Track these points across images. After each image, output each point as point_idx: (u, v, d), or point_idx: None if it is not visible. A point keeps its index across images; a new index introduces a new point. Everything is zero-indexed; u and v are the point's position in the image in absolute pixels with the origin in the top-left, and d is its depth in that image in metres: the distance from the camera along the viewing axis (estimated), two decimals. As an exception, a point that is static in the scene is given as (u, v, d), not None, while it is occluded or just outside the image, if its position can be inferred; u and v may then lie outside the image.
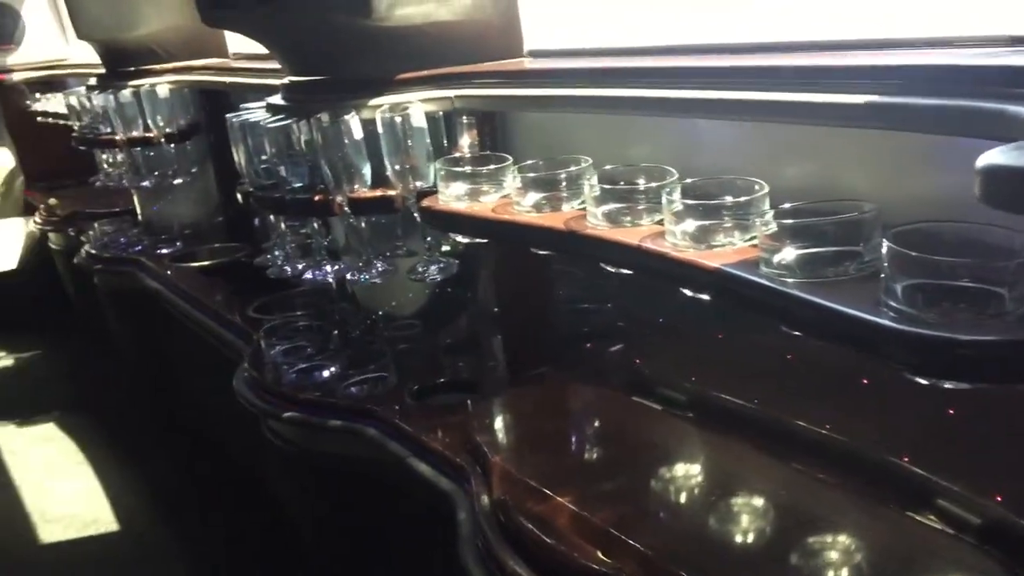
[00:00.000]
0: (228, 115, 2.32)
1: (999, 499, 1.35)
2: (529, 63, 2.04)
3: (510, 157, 1.86)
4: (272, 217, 2.39)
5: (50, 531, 3.24)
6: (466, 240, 1.98)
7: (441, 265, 2.13)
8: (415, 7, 1.95)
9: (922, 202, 1.35)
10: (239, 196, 2.35)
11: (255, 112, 2.30)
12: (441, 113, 2.05)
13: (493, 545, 1.53)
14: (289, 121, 2.13)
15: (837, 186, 1.49)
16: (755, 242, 1.30)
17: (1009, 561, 1.28)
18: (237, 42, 3.40)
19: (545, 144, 2.06)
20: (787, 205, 1.27)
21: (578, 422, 1.96)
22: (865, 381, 1.50)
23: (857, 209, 1.20)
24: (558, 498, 1.57)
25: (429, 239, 2.13)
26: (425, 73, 2.01)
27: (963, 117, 1.06)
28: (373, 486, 2.07)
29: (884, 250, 1.05)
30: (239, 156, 2.29)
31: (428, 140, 2.00)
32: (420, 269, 2.14)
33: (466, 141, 2.13)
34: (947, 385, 1.03)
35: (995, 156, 0.79)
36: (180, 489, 3.42)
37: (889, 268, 1.05)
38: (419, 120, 1.98)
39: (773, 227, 1.24)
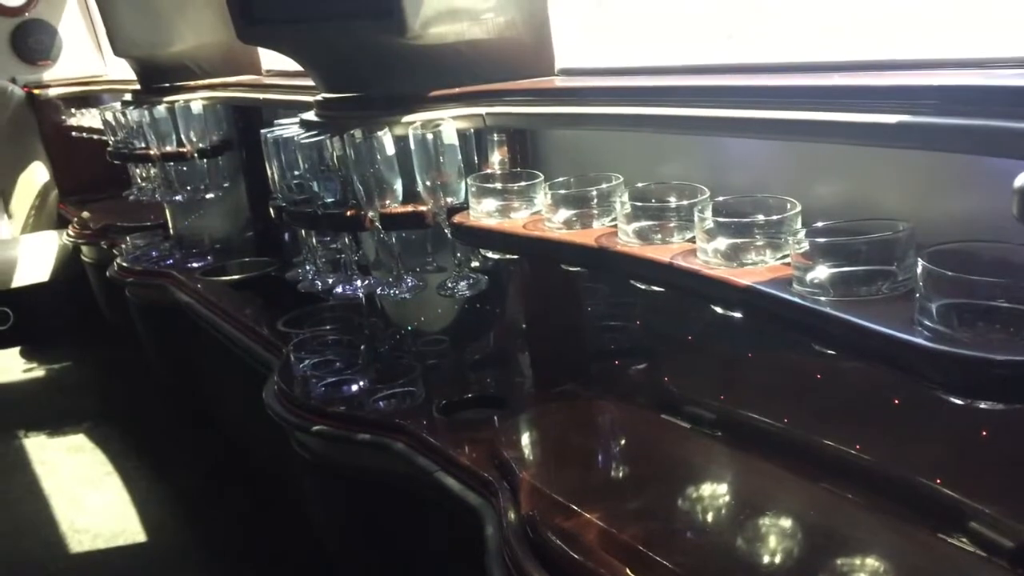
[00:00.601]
0: (263, 130, 2.35)
1: (1034, 522, 1.34)
2: (560, 81, 2.05)
3: (541, 174, 1.88)
4: (303, 232, 2.42)
5: (78, 541, 3.27)
6: (495, 256, 1.99)
7: (471, 281, 2.15)
8: (449, 26, 1.97)
9: (957, 222, 1.35)
10: (271, 211, 2.37)
11: (289, 128, 2.33)
12: (472, 130, 2.07)
13: (521, 560, 1.53)
14: (322, 137, 2.15)
15: (870, 205, 1.49)
16: (787, 260, 1.31)
17: (1043, 585, 1.27)
18: (271, 59, 3.45)
19: (576, 161, 2.07)
20: (819, 224, 1.27)
21: (605, 439, 1.96)
22: (896, 401, 1.49)
23: (891, 228, 1.20)
24: (586, 514, 1.57)
25: (459, 255, 2.14)
26: (457, 90, 2.03)
27: (996, 137, 1.06)
28: (401, 500, 2.08)
29: (919, 269, 1.05)
30: (272, 171, 2.31)
31: (459, 157, 2.02)
32: (449, 285, 2.15)
33: (497, 158, 2.15)
34: (982, 405, 1.03)
35: (1033, 176, 0.79)
36: (208, 501, 3.44)
37: (924, 287, 1.05)
38: (451, 137, 2.00)
39: (806, 246, 1.24)
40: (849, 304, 1.15)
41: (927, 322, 1.04)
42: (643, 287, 1.57)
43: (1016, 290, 1.01)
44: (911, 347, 1.02)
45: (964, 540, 1.40)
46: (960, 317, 1.02)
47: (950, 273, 1.01)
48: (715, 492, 1.67)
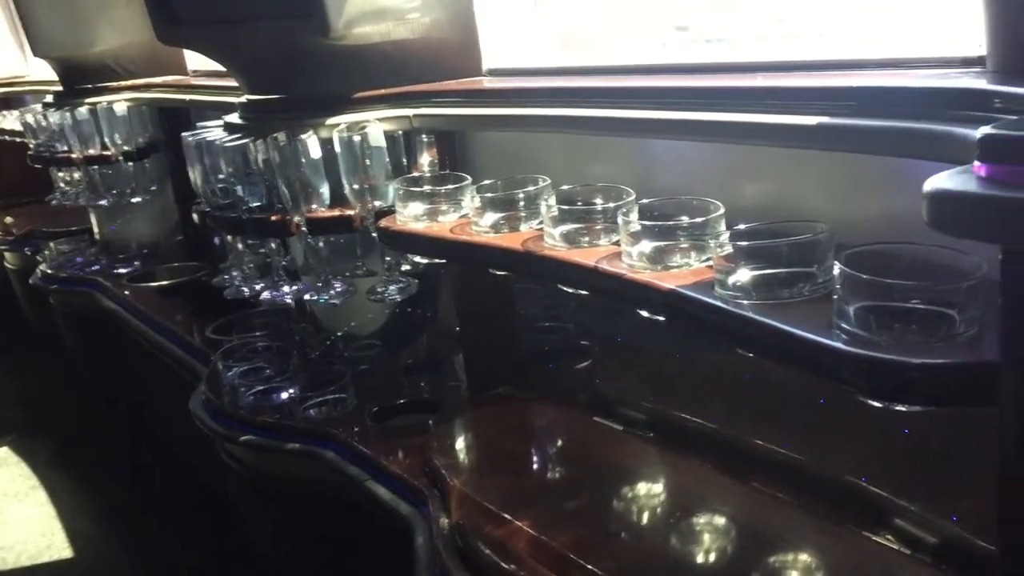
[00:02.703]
0: (184, 133, 2.29)
1: (955, 519, 1.35)
2: (488, 82, 2.03)
3: (469, 177, 1.85)
4: (229, 237, 2.36)
5: (1, 559, 3.15)
6: (425, 260, 1.96)
7: (401, 285, 2.12)
8: (373, 26, 1.93)
9: (880, 222, 1.36)
10: (195, 216, 2.31)
11: (212, 131, 2.27)
12: (401, 132, 2.03)
13: (450, 570, 1.51)
14: (246, 140, 2.10)
15: (796, 206, 1.49)
16: (711, 263, 1.30)
17: (965, 581, 1.28)
18: (197, 59, 3.37)
19: (506, 163, 2.05)
20: (742, 226, 1.27)
21: (538, 443, 1.94)
22: (822, 400, 1.49)
23: (811, 230, 1.20)
24: (516, 521, 1.55)
25: (388, 259, 2.11)
26: (383, 92, 2.00)
27: (913, 139, 1.07)
28: (333, 508, 2.04)
29: (836, 272, 1.05)
30: (195, 175, 2.25)
31: (387, 159, 1.99)
32: (379, 289, 2.12)
33: (426, 160, 2.11)
34: (899, 408, 1.03)
35: (941, 180, 0.78)
36: (138, 513, 3.35)
37: (841, 290, 1.05)
38: (377, 139, 1.97)
39: (728, 248, 1.23)
40: (770, 307, 1.14)
41: (845, 325, 1.03)
42: (571, 291, 1.56)
43: (931, 292, 1.01)
44: (829, 351, 1.02)
45: (890, 537, 1.41)
46: (878, 319, 1.02)
47: (865, 276, 1.01)
48: (646, 494, 1.66)
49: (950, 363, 0.95)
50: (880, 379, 0.99)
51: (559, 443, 1.91)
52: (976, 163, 0.78)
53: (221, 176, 2.19)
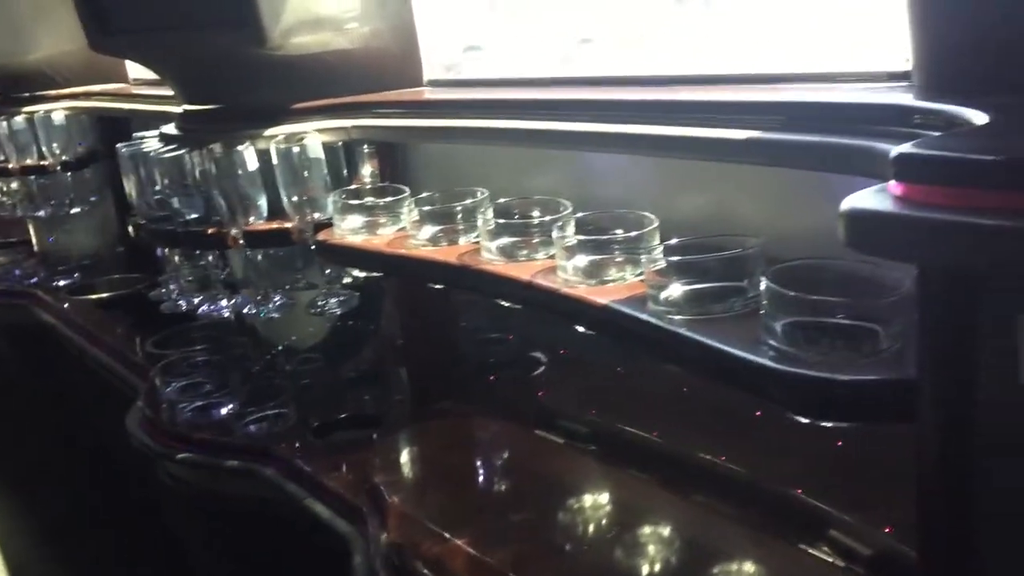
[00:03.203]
0: (119, 145, 2.24)
1: (888, 530, 1.36)
2: (428, 93, 2.01)
3: (407, 189, 1.83)
4: (166, 250, 2.31)
5: (-66, 578, 3.06)
6: (364, 274, 1.94)
7: (341, 298, 2.09)
8: (311, 35, 1.90)
9: (813, 237, 1.36)
10: (130, 228, 2.26)
11: (148, 142, 2.23)
12: (340, 143, 2.01)
13: (387, 591, 1.49)
14: (182, 152, 2.06)
15: (732, 220, 1.49)
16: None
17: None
18: (139, 67, 3.30)
19: (448, 175, 2.04)
20: (674, 241, 1.26)
21: (480, 458, 1.92)
22: (759, 413, 1.50)
23: (741, 245, 1.20)
24: (455, 539, 1.53)
25: (328, 271, 2.08)
26: (322, 103, 1.97)
27: (838, 154, 1.07)
28: (272, 527, 2.00)
29: (763, 288, 1.05)
30: (130, 187, 2.21)
31: (325, 171, 1.96)
32: (320, 303, 2.09)
33: (367, 171, 2.09)
34: (826, 424, 1.03)
35: (858, 199, 0.78)
36: (75, 533, 3.26)
37: (768, 306, 1.04)
38: (316, 150, 1.94)
39: (661, 263, 1.23)
40: (701, 323, 1.14)
41: (772, 341, 1.03)
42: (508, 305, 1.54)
43: (856, 307, 1.01)
44: (756, 368, 1.02)
45: (825, 549, 1.41)
46: (804, 335, 1.02)
47: (791, 292, 1.01)
48: (587, 508, 1.65)
49: (874, 380, 0.96)
50: (806, 396, 0.99)
51: (500, 457, 1.90)
52: (892, 182, 0.78)
53: (157, 188, 2.15)
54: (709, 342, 1.07)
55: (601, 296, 1.28)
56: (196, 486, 2.14)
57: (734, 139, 1.20)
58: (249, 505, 2.03)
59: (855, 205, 0.77)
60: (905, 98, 1.09)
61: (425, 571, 1.46)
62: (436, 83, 2.05)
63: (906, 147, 0.78)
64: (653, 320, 1.17)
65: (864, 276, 1.07)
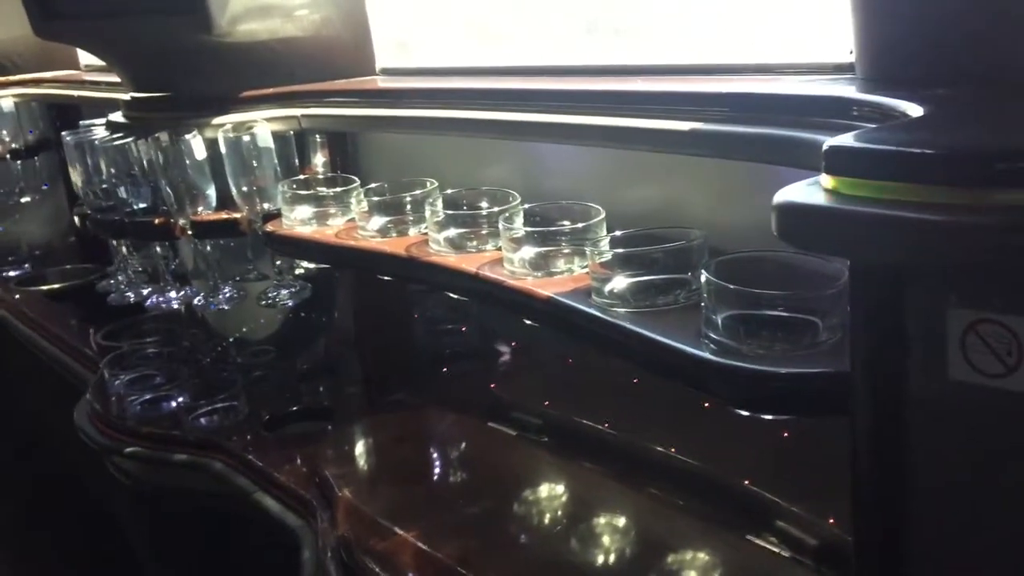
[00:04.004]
0: (64, 133, 2.19)
1: (833, 521, 1.37)
2: (381, 81, 1.99)
3: (357, 179, 1.81)
4: (115, 241, 2.27)
5: None
6: (314, 265, 1.92)
7: (293, 289, 2.06)
8: (260, 22, 1.87)
9: (758, 229, 1.36)
10: (76, 219, 2.22)
11: (95, 130, 2.19)
12: (291, 132, 1.98)
13: (335, 585, 1.47)
14: (128, 140, 2.02)
15: (678, 212, 1.49)
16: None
17: (841, 582, 1.30)
18: (90, 54, 3.24)
19: (399, 165, 2.02)
20: (618, 233, 1.26)
21: (431, 450, 1.91)
22: (707, 405, 1.50)
23: (685, 237, 1.20)
24: (404, 533, 1.51)
25: (279, 262, 2.05)
26: (271, 91, 1.94)
27: (780, 146, 1.07)
28: (222, 521, 1.98)
29: (703, 281, 1.04)
30: (76, 176, 2.16)
31: (275, 160, 1.93)
32: (271, 294, 2.06)
33: (319, 159, 2.07)
34: (766, 417, 1.03)
35: (790, 192, 0.78)
36: (24, 532, 3.20)
37: (709, 299, 1.04)
38: (265, 139, 1.91)
39: (606, 256, 1.22)
40: (644, 316, 1.14)
41: (713, 334, 1.03)
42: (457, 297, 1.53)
43: (795, 300, 1.01)
44: (697, 361, 1.01)
45: (772, 539, 1.42)
46: (745, 328, 1.02)
47: (731, 286, 1.01)
48: (537, 501, 1.64)
49: (812, 372, 0.96)
50: (745, 389, 0.99)
51: (453, 450, 1.88)
52: (823, 175, 0.77)
53: (103, 177, 2.11)
54: (650, 335, 1.07)
55: (546, 288, 1.27)
56: (144, 481, 2.11)
57: (679, 130, 1.20)
58: (199, 499, 2.00)
59: (787, 198, 0.77)
60: (846, 90, 1.09)
61: (373, 566, 1.44)
62: (388, 72, 2.03)
63: (836, 140, 0.77)
64: (596, 313, 1.17)
65: (804, 268, 1.08)
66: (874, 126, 0.92)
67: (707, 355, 1.01)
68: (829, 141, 0.77)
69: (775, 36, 1.42)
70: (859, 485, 0.86)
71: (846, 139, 0.78)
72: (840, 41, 1.27)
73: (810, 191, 0.77)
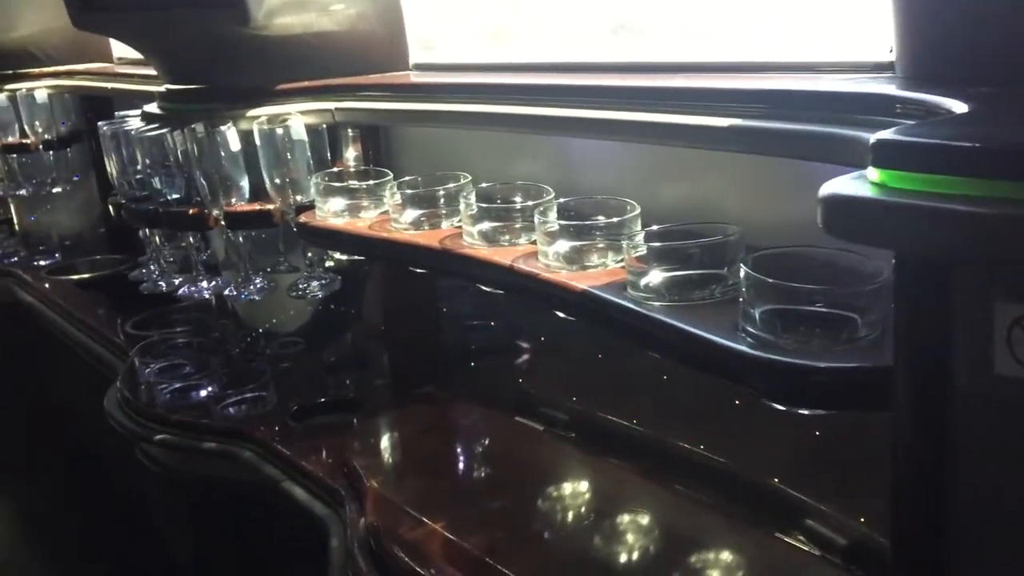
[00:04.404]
0: (100, 123, 2.22)
1: (863, 520, 1.37)
2: (414, 76, 2.00)
3: (390, 172, 1.82)
4: (147, 231, 2.29)
5: (-90, 561, 3.04)
6: (346, 257, 1.93)
7: (323, 281, 2.07)
8: (295, 16, 1.89)
9: (792, 225, 1.36)
10: (111, 208, 2.24)
11: (130, 120, 2.21)
12: (324, 125, 1.99)
13: (363, 573, 1.48)
14: (164, 131, 2.04)
15: (713, 208, 1.49)
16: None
17: (871, 582, 1.30)
18: (123, 47, 3.27)
19: (431, 160, 2.03)
20: (655, 227, 1.26)
21: (459, 443, 1.92)
22: (738, 402, 1.50)
23: (721, 232, 1.20)
24: (432, 524, 1.53)
25: (311, 254, 2.07)
26: (306, 84, 1.96)
27: (820, 143, 1.07)
28: (249, 509, 2.00)
29: (742, 275, 1.05)
30: (112, 166, 2.19)
31: (309, 153, 1.95)
32: (301, 286, 2.07)
33: (351, 153, 2.08)
34: (803, 412, 1.03)
35: (836, 185, 0.78)
36: (54, 516, 3.24)
37: (747, 294, 1.04)
38: (299, 132, 1.93)
39: (641, 250, 1.23)
40: (679, 309, 1.14)
41: (750, 328, 1.03)
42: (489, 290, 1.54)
43: (834, 295, 1.01)
44: (734, 354, 1.02)
45: (801, 538, 1.42)
46: (783, 323, 1.02)
47: (770, 280, 1.01)
48: (565, 496, 1.65)
49: (851, 367, 0.96)
50: (783, 383, 0.99)
51: (480, 443, 1.89)
52: (870, 168, 0.77)
53: (138, 167, 2.13)
54: (687, 328, 1.07)
55: (581, 281, 1.28)
56: (173, 468, 2.13)
57: (716, 126, 1.20)
58: (227, 487, 2.02)
59: (834, 190, 0.77)
60: (887, 88, 1.09)
61: (402, 555, 1.46)
62: (422, 67, 2.04)
63: (885, 133, 0.78)
64: (631, 306, 1.17)
65: (843, 265, 1.07)
66: (920, 121, 0.92)
67: (744, 348, 1.01)
68: (877, 135, 0.77)
69: (813, 36, 1.43)
70: (899, 481, 0.86)
71: (894, 133, 0.78)
72: (875, 40, 1.27)
73: (857, 184, 0.78)
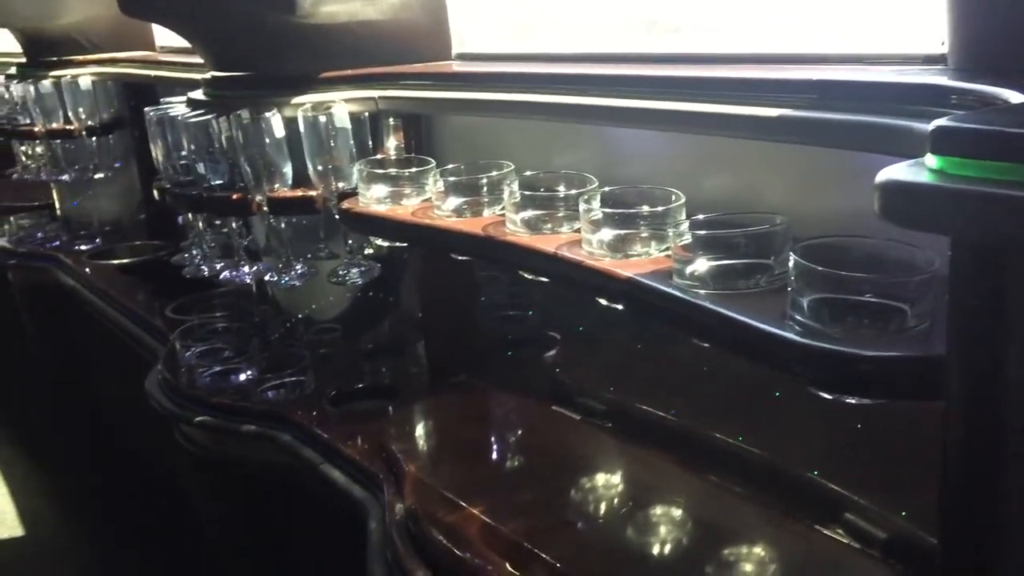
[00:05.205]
0: (147, 108, 2.25)
1: (904, 514, 1.36)
2: (457, 66, 2.01)
3: (433, 160, 1.84)
4: (191, 215, 2.33)
5: (-47, 535, 3.11)
6: (387, 244, 1.95)
7: (363, 268, 2.09)
8: (340, 5, 1.91)
9: (838, 216, 1.36)
10: (156, 192, 2.27)
11: (175, 107, 2.24)
12: (367, 114, 2.01)
13: (402, 556, 1.50)
14: (209, 117, 2.07)
15: (757, 199, 1.49)
16: (671, 253, 1.30)
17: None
18: (165, 35, 3.32)
19: (473, 148, 2.04)
20: (700, 216, 1.26)
21: (496, 431, 1.94)
22: (778, 394, 1.50)
23: (768, 222, 1.20)
24: (470, 508, 1.54)
25: (351, 241, 2.09)
26: (349, 72, 1.98)
27: (872, 133, 1.07)
28: (287, 491, 2.02)
29: (791, 264, 1.05)
30: (157, 151, 2.22)
31: (351, 140, 1.97)
32: (341, 272, 2.09)
33: (392, 143, 2.10)
34: (849, 400, 1.03)
35: (893, 172, 0.78)
36: (90, 492, 3.30)
37: (795, 282, 1.04)
38: (342, 120, 1.95)
39: (687, 238, 1.23)
40: (725, 297, 1.14)
41: (798, 316, 1.03)
42: (532, 278, 1.55)
43: (884, 285, 1.01)
44: (782, 341, 1.02)
45: (840, 531, 1.41)
46: (831, 312, 1.02)
47: (820, 268, 1.01)
48: (601, 485, 1.66)
49: (901, 356, 0.96)
50: (831, 371, 0.99)
51: (516, 431, 1.91)
52: (928, 155, 0.77)
53: (183, 153, 2.16)
54: (735, 315, 1.08)
55: (626, 269, 1.28)
56: (211, 450, 2.16)
57: (766, 116, 1.20)
58: (264, 470, 2.05)
59: (891, 177, 0.77)
60: (941, 79, 1.08)
61: (440, 537, 1.47)
62: (464, 57, 2.05)
63: (944, 120, 0.78)
64: (678, 293, 1.17)
65: (892, 256, 1.07)
66: (978, 110, 0.92)
67: (792, 335, 1.01)
68: (936, 122, 0.77)
69: (863, 29, 1.42)
70: (949, 474, 0.85)
71: (954, 120, 0.78)
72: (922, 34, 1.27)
73: (914, 170, 0.78)
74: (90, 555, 2.99)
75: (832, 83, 1.17)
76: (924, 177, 0.76)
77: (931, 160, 0.77)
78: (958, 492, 0.86)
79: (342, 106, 1.94)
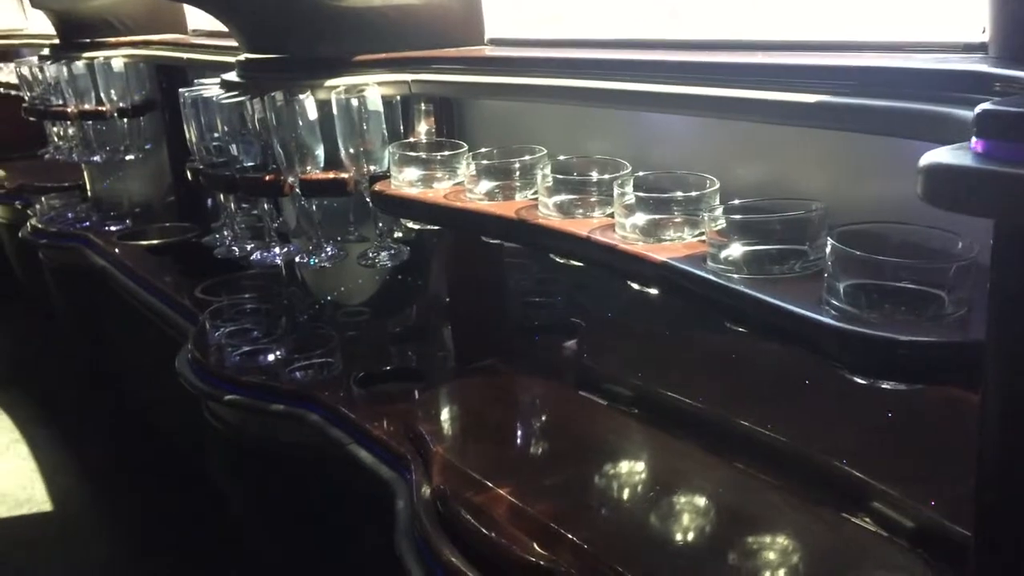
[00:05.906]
0: (181, 89, 2.27)
1: (932, 503, 1.36)
2: (489, 51, 2.02)
3: (464, 144, 1.85)
4: (222, 197, 2.35)
5: (-18, 509, 3.16)
6: (418, 227, 1.96)
7: (392, 252, 2.11)
8: (375, -11, 1.92)
9: (874, 203, 1.36)
10: (188, 173, 2.30)
11: (209, 88, 2.26)
12: (399, 98, 2.02)
13: (430, 535, 1.51)
14: (243, 98, 2.09)
15: (791, 185, 1.49)
16: (704, 238, 1.30)
17: (939, 565, 1.29)
18: (197, 18, 3.34)
19: (503, 133, 2.04)
20: (736, 201, 1.26)
21: (523, 414, 1.95)
22: (807, 382, 1.50)
23: (804, 208, 1.20)
24: (498, 489, 1.56)
25: (381, 224, 2.10)
26: (383, 56, 1.99)
27: (913, 120, 1.06)
28: (314, 471, 2.04)
29: (828, 249, 1.05)
30: (190, 132, 2.24)
31: (384, 124, 1.98)
32: (371, 255, 2.11)
33: (423, 127, 2.10)
34: (884, 386, 1.03)
35: (938, 155, 0.78)
36: (117, 470, 3.35)
37: (833, 267, 1.05)
38: (375, 103, 1.96)
39: (721, 223, 1.23)
40: (760, 282, 1.14)
41: (835, 301, 1.03)
42: (563, 262, 1.55)
43: (922, 271, 1.01)
44: (818, 326, 1.02)
45: (868, 520, 1.42)
46: (867, 297, 1.02)
47: (858, 253, 1.01)
48: (627, 469, 1.66)
49: (938, 341, 0.96)
50: (868, 355, 0.99)
51: (543, 415, 1.92)
52: (973, 139, 0.77)
53: (216, 134, 2.18)
54: (771, 300, 1.08)
55: (660, 253, 1.29)
56: (240, 428, 2.19)
57: (804, 102, 1.20)
58: (292, 449, 2.07)
59: (935, 160, 0.78)
60: (983, 66, 1.08)
61: (468, 517, 1.49)
62: (497, 42, 2.06)
63: (989, 104, 0.78)
64: (712, 277, 1.18)
65: (927, 243, 1.07)
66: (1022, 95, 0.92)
67: (828, 320, 1.02)
68: (982, 105, 0.77)
69: (902, 17, 1.42)
70: (986, 462, 0.86)
71: (999, 104, 0.78)
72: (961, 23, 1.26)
73: (958, 154, 0.78)
74: (119, 533, 3.03)
75: (871, 69, 1.17)
76: (968, 160, 0.76)
77: (976, 144, 0.77)
78: (995, 481, 0.87)
79: (375, 89, 1.95)
